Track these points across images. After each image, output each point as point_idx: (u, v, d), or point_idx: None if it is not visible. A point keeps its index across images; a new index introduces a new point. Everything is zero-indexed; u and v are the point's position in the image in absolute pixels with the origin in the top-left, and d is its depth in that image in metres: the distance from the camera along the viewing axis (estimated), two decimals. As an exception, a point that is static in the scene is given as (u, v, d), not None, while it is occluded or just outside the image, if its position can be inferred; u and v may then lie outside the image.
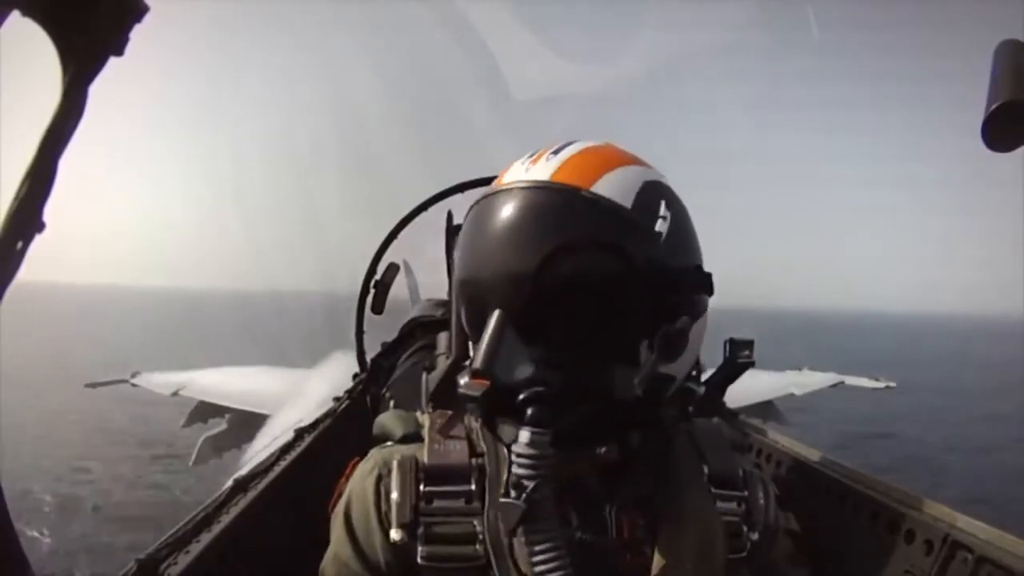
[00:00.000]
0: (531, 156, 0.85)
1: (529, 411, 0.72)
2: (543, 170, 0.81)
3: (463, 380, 0.78)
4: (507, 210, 0.80)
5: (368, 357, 2.78)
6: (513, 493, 0.72)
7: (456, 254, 0.87)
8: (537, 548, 0.72)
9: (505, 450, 0.82)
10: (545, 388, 0.73)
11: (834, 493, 1.46)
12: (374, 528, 0.82)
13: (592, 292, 0.77)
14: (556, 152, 0.84)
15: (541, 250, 0.75)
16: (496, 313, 0.74)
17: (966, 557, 1.10)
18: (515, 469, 0.72)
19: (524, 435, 0.72)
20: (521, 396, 0.73)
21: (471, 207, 0.86)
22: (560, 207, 0.79)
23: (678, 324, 0.78)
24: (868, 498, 1.35)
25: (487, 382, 0.73)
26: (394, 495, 0.81)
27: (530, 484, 0.71)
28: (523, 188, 0.80)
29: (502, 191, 0.82)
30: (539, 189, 0.80)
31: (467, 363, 0.84)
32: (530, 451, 0.71)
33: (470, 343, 0.88)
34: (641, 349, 0.79)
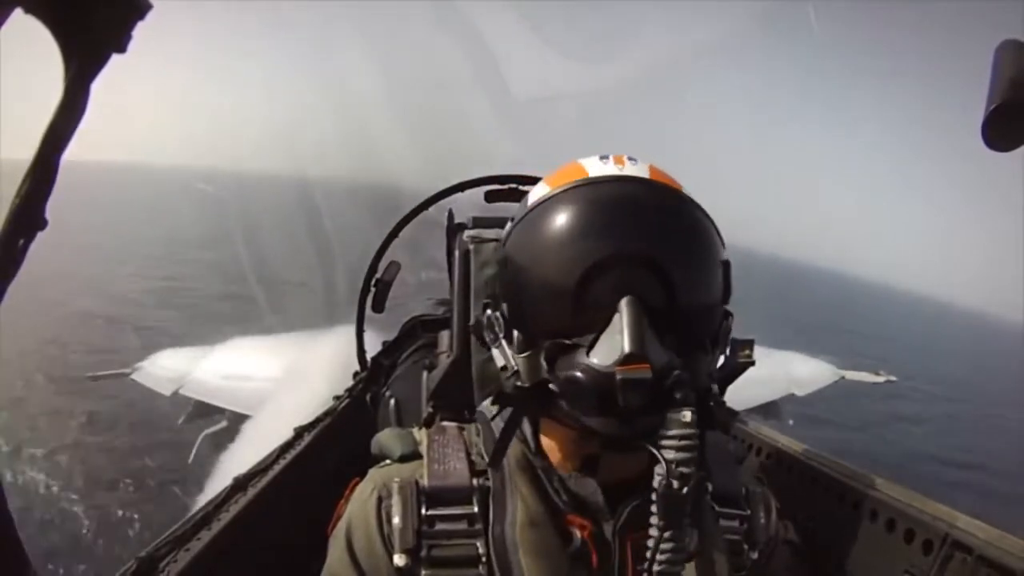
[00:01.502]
0: (604, 158, 0.85)
1: (678, 395, 0.71)
2: (637, 170, 0.83)
3: (582, 372, 0.73)
4: (625, 198, 0.80)
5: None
6: (675, 483, 0.70)
7: (532, 241, 0.82)
8: (665, 554, 0.71)
9: (512, 470, 0.83)
10: (682, 372, 0.72)
11: (833, 492, 1.46)
12: (378, 552, 0.81)
13: (698, 283, 0.79)
14: (631, 159, 0.86)
15: (664, 239, 0.77)
16: (627, 298, 0.73)
17: (966, 557, 1.09)
18: (673, 455, 0.70)
19: (686, 415, 0.70)
20: (668, 381, 0.71)
21: (557, 193, 0.82)
22: (674, 202, 0.82)
23: (729, 321, 0.83)
24: (867, 497, 1.35)
25: (647, 366, 0.70)
26: (396, 520, 0.80)
27: (690, 471, 0.69)
28: (634, 180, 0.82)
29: (610, 180, 0.81)
30: (650, 183, 0.82)
31: (537, 375, 0.79)
32: (690, 431, 0.70)
33: (505, 342, 0.83)
34: (707, 341, 0.82)
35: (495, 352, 0.85)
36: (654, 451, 0.71)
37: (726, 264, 0.84)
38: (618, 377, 0.70)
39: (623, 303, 0.72)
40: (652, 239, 0.77)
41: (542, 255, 0.80)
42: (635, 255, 0.76)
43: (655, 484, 0.71)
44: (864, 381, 12.32)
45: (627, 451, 0.77)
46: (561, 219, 0.80)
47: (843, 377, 11.90)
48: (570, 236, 0.78)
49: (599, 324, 0.73)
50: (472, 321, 1.35)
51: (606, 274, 0.75)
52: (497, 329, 0.84)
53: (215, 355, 10.25)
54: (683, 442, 0.70)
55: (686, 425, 0.70)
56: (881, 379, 12.32)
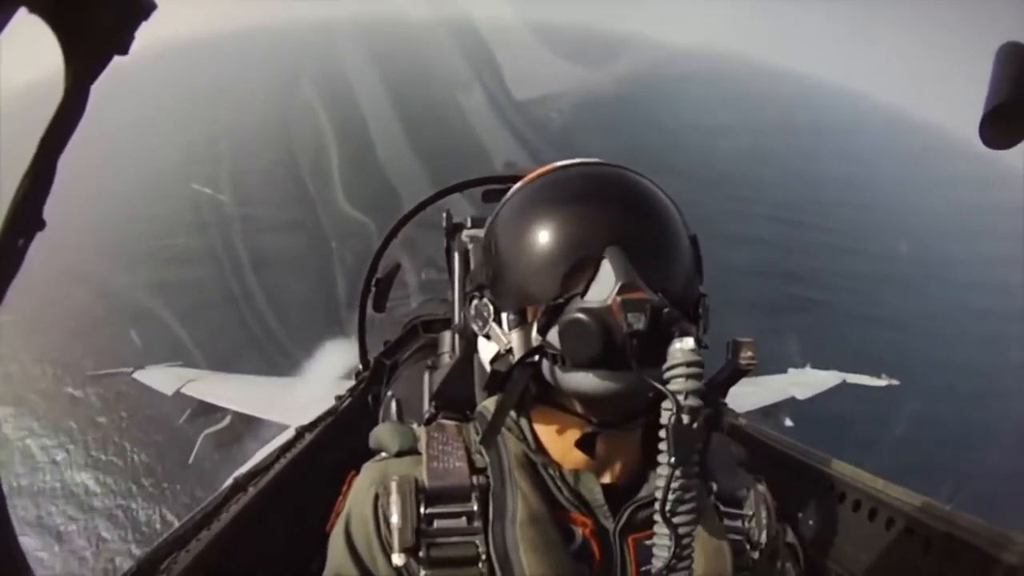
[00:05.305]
0: (564, 161, 0.89)
1: (674, 329, 0.71)
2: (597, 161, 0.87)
3: (580, 311, 0.73)
4: (602, 179, 0.84)
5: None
6: (685, 418, 0.68)
7: (516, 221, 0.85)
8: (675, 493, 0.70)
9: (512, 467, 0.83)
10: (673, 310, 0.72)
11: (833, 492, 1.46)
12: (377, 552, 0.81)
13: (673, 254, 0.82)
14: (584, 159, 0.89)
15: (641, 214, 0.81)
16: (611, 247, 0.75)
17: (965, 556, 1.10)
18: (682, 384, 0.68)
19: (688, 341, 0.69)
20: (662, 319, 0.72)
21: (533, 179, 0.87)
22: (641, 181, 0.86)
23: (705, 299, 0.85)
24: (867, 496, 1.35)
25: (642, 292, 0.72)
26: (395, 518, 0.80)
27: (698, 404, 0.68)
28: (603, 165, 0.86)
29: (582, 164, 0.86)
30: (618, 167, 0.86)
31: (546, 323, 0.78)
32: (694, 358, 0.69)
33: (495, 324, 0.84)
34: (688, 310, 0.83)
35: (482, 343, 0.87)
36: (659, 387, 0.69)
37: (693, 239, 0.86)
38: (618, 300, 0.72)
39: (608, 251, 0.75)
40: (629, 216, 0.80)
41: (527, 228, 0.82)
42: (616, 229, 0.78)
43: (663, 420, 0.69)
44: (866, 384, 12.36)
45: (621, 427, 0.79)
46: (542, 192, 0.84)
47: (844, 380, 11.94)
48: (551, 204, 0.82)
49: (588, 276, 0.76)
50: (457, 321, 1.34)
51: (592, 234, 0.78)
52: (486, 314, 0.86)
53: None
54: (689, 369, 0.69)
55: (691, 352, 0.69)
56: (883, 383, 12.36)
